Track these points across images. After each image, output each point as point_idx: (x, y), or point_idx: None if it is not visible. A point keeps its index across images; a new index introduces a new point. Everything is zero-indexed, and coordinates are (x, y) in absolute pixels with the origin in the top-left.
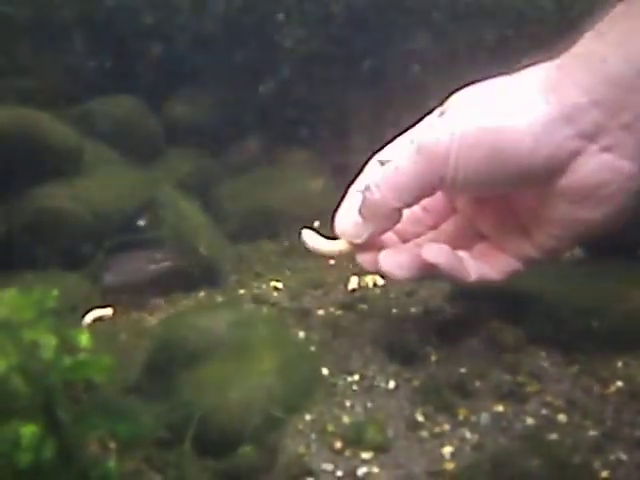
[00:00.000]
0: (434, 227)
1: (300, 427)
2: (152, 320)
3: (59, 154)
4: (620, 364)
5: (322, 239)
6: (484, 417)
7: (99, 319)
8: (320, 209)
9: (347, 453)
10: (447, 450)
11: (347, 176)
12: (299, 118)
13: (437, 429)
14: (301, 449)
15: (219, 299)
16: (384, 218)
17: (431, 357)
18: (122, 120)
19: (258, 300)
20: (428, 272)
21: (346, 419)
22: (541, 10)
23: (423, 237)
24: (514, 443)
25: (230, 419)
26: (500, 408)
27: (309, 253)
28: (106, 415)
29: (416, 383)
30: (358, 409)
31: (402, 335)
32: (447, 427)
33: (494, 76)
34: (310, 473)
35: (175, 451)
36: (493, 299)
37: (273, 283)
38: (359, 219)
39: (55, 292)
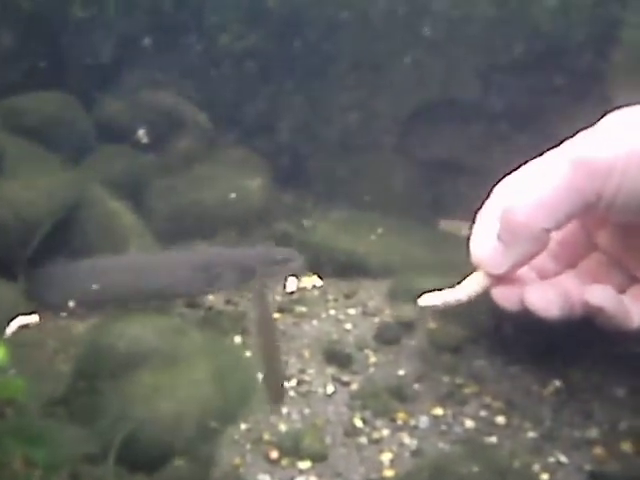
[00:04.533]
0: (572, 264)
1: (235, 437)
2: (80, 327)
3: None
4: (559, 363)
5: (445, 291)
6: (423, 421)
7: (25, 326)
8: (258, 209)
9: (284, 463)
10: (386, 457)
11: (285, 174)
12: (236, 115)
13: (376, 435)
14: (236, 460)
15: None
16: (530, 241)
17: (369, 359)
18: (51, 116)
19: (192, 304)
20: (582, 312)
21: (283, 427)
22: None
23: (564, 275)
24: (454, 448)
25: (161, 431)
26: (439, 411)
27: None
28: (21, 439)
29: (354, 387)
30: (295, 416)
31: (340, 338)
32: (386, 432)
33: None
34: None
35: (103, 467)
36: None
37: None
38: (499, 246)
39: None
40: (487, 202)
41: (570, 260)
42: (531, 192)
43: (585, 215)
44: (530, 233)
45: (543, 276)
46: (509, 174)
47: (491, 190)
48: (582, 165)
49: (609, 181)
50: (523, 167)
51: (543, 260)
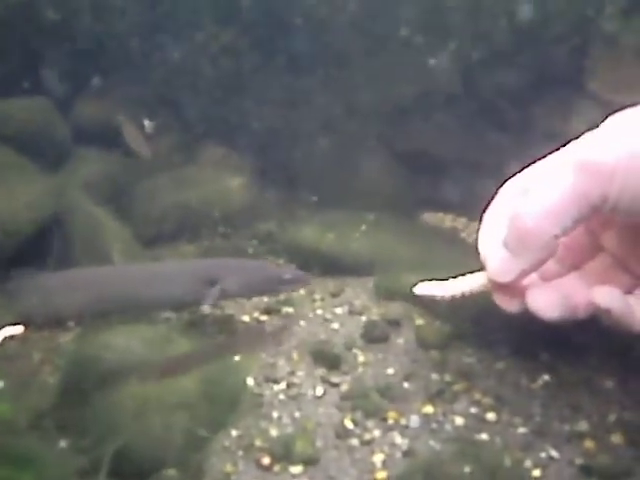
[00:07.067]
0: (576, 266)
1: (226, 444)
2: (66, 337)
3: None
4: (546, 356)
5: (445, 282)
6: (414, 420)
7: (10, 337)
8: (240, 208)
9: (276, 469)
10: (378, 458)
11: (267, 173)
12: (217, 115)
13: (367, 436)
14: (228, 467)
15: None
16: (539, 249)
17: (358, 359)
18: (27, 122)
19: (177, 308)
20: (586, 314)
21: (274, 432)
22: None
23: (568, 277)
24: (445, 446)
25: (151, 442)
26: (429, 409)
27: None
28: (7, 461)
29: (344, 388)
30: (286, 420)
31: (328, 338)
32: (377, 433)
33: None
34: None
35: None
36: (416, 297)
37: None
38: (507, 254)
39: None
40: (492, 204)
41: (574, 262)
42: (538, 199)
43: (591, 218)
44: (539, 241)
45: (546, 278)
46: (514, 176)
47: (496, 192)
48: (585, 169)
49: (612, 184)
50: (528, 169)
51: (548, 262)
